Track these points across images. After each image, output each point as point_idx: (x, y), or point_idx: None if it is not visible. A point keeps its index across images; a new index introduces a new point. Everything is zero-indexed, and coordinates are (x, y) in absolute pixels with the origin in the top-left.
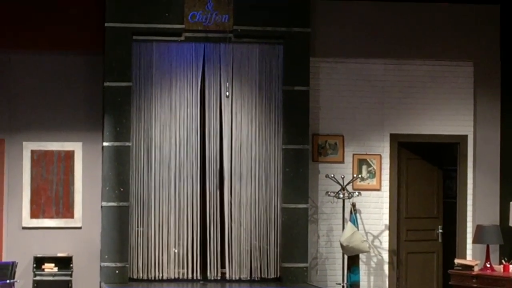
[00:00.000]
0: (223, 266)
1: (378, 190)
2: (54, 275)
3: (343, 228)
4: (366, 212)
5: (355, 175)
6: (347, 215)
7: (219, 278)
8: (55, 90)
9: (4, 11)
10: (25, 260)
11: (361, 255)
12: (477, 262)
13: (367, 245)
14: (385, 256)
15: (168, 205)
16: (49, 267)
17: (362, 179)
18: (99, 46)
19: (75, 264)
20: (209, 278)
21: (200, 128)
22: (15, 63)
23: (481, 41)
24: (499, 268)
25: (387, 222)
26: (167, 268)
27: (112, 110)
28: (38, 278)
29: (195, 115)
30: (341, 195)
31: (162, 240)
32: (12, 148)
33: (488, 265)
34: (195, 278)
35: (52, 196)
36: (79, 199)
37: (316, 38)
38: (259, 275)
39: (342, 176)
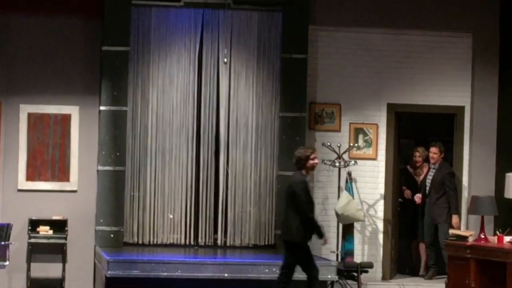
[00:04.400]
0: (216, 232)
1: (374, 159)
2: (49, 238)
3: (339, 196)
4: (362, 181)
5: (351, 144)
6: (342, 184)
7: (211, 244)
8: (53, 54)
9: None
10: (20, 222)
11: (355, 224)
12: (472, 233)
13: (362, 214)
14: (380, 225)
15: (163, 171)
16: (44, 230)
17: (358, 148)
18: (98, 10)
19: (70, 227)
20: (201, 243)
21: (197, 95)
22: (13, 26)
23: (480, 12)
24: (493, 239)
25: (382, 191)
26: (161, 233)
27: (109, 74)
28: (33, 240)
29: (192, 81)
30: (337, 164)
31: (157, 205)
32: (9, 111)
33: (483, 236)
34: (188, 243)
35: (48, 159)
36: (75, 162)
37: (316, 6)
38: (252, 242)
39: (339, 145)
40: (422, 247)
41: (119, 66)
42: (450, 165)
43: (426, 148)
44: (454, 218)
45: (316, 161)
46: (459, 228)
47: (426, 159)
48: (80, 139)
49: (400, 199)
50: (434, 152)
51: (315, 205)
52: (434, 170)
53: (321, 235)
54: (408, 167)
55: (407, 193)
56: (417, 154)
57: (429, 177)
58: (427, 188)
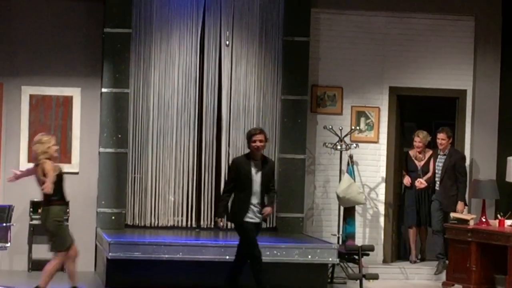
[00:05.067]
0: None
1: (376, 142)
2: None
3: (340, 179)
4: (363, 164)
5: (353, 127)
6: (344, 167)
7: (213, 226)
8: (55, 35)
9: None
10: (22, 204)
11: (357, 207)
12: (473, 216)
13: (363, 197)
14: (381, 208)
15: (165, 153)
16: None
17: (360, 131)
18: None
19: (71, 209)
20: (202, 226)
21: (199, 77)
22: (15, 7)
23: None
24: (494, 223)
25: (383, 174)
26: (163, 215)
27: (111, 56)
28: (34, 222)
29: (194, 63)
30: (339, 147)
31: (159, 187)
32: (10, 92)
33: (484, 220)
34: (189, 225)
35: None
36: (76, 144)
37: None
38: None
39: (340, 128)
40: (412, 233)
41: (121, 48)
42: (459, 150)
43: (429, 133)
44: (460, 205)
45: (257, 144)
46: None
47: (430, 144)
48: (81, 121)
49: (406, 184)
50: (442, 138)
51: (245, 185)
52: (444, 157)
53: (216, 214)
54: (410, 151)
55: (407, 180)
56: (417, 139)
57: (439, 164)
58: (438, 175)
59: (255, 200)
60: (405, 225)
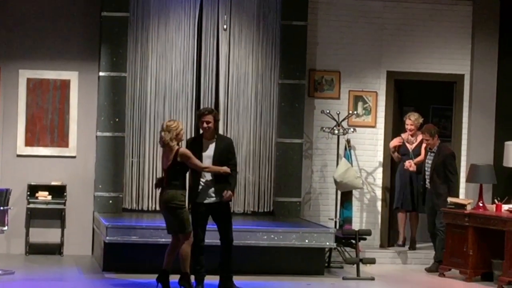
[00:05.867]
0: None
1: (373, 127)
2: (47, 203)
3: (337, 164)
4: (361, 149)
5: (350, 112)
6: (341, 151)
7: None
8: (52, 19)
9: None
10: (19, 187)
11: (354, 191)
12: (470, 201)
13: (361, 182)
14: (378, 193)
15: None
16: (43, 195)
17: (358, 115)
18: None
19: (68, 193)
20: None
21: (197, 61)
22: None
23: None
24: (491, 208)
25: (381, 159)
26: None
27: (109, 40)
28: (31, 206)
29: (192, 47)
30: (336, 131)
31: (156, 171)
32: (8, 76)
33: (481, 204)
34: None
35: (47, 125)
36: (74, 128)
37: None
38: (251, 209)
39: (338, 112)
40: (400, 216)
41: (119, 32)
42: (449, 147)
43: (422, 115)
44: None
45: (204, 125)
46: None
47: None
48: (79, 104)
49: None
50: (426, 138)
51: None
52: (433, 154)
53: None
54: (402, 134)
55: (396, 156)
56: (409, 122)
57: (428, 161)
58: (427, 173)
59: (207, 177)
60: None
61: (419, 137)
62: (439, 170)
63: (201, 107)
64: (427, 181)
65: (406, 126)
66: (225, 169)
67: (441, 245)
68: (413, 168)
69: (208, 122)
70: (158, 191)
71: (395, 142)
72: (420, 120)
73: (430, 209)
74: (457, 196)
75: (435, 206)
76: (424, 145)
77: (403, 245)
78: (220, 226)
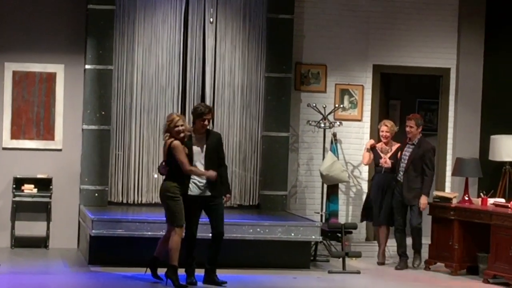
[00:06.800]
0: None
1: (360, 120)
2: (33, 196)
3: (323, 157)
4: (347, 142)
5: (336, 105)
6: (327, 145)
7: None
8: (38, 12)
9: None
10: (4, 180)
11: (340, 185)
12: (456, 194)
13: (347, 175)
14: (364, 186)
15: (149, 130)
16: (29, 188)
17: (344, 109)
18: None
19: (54, 186)
20: None
21: (183, 54)
22: None
23: None
24: (477, 201)
25: None
26: (146, 192)
27: (95, 33)
28: (17, 199)
29: (178, 40)
30: (322, 125)
31: (142, 164)
32: None
33: (467, 198)
34: None
35: (33, 118)
36: (60, 121)
37: None
38: (237, 202)
39: (324, 106)
40: (382, 231)
41: (105, 25)
42: (429, 142)
43: (415, 111)
44: (423, 199)
45: (206, 123)
46: (424, 210)
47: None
48: (65, 97)
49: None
50: (410, 125)
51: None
52: (412, 146)
53: None
54: (377, 144)
55: (368, 155)
56: (385, 128)
57: (406, 153)
58: (403, 165)
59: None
60: (374, 225)
61: (394, 147)
62: (416, 163)
63: (187, 100)
64: (400, 173)
65: (381, 133)
66: (210, 173)
67: (419, 241)
68: (388, 164)
69: (209, 121)
70: (143, 184)
71: (372, 142)
72: (395, 128)
73: (399, 203)
74: (428, 191)
75: (405, 200)
76: (399, 156)
77: (383, 263)
78: (212, 219)
